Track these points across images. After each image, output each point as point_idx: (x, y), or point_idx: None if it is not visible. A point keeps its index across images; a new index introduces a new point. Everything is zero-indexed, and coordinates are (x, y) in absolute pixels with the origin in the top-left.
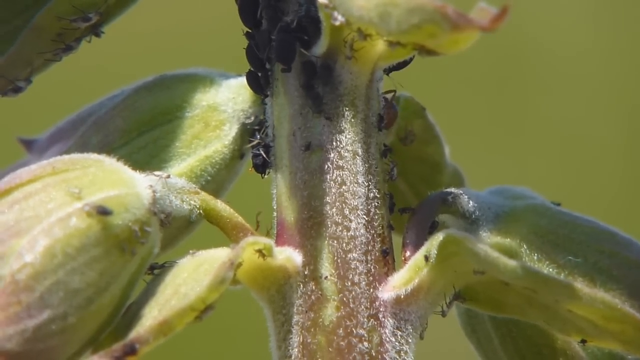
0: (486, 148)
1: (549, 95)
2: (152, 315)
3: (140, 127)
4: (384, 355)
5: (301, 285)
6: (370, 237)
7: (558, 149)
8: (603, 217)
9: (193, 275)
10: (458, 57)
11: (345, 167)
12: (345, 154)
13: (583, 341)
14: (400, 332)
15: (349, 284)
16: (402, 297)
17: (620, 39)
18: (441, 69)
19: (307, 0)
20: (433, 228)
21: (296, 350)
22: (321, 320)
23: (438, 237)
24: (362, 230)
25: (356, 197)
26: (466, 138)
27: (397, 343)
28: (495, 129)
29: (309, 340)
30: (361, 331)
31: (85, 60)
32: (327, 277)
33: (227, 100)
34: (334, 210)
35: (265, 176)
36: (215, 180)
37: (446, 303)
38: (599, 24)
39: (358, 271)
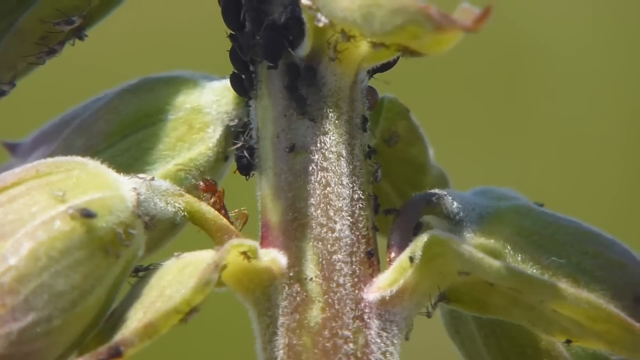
0: (485, 148)
1: (548, 95)
2: (137, 318)
3: (123, 130)
4: (370, 357)
5: (286, 287)
6: (355, 239)
7: (558, 148)
8: (605, 216)
9: (178, 277)
10: (456, 56)
11: (330, 168)
12: (330, 156)
13: (568, 341)
14: (385, 333)
15: (334, 285)
16: (387, 298)
17: (620, 36)
18: (438, 68)
19: (291, 2)
20: (418, 229)
21: (282, 352)
22: (306, 321)
23: (422, 238)
24: (347, 232)
25: (341, 198)
26: (465, 138)
27: (382, 344)
28: (494, 129)
29: (294, 342)
30: (346, 332)
31: (75, 61)
32: (312, 278)
33: (211, 102)
34: (318, 211)
35: (250, 178)
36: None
37: (431, 304)
38: (598, 22)
39: (343, 272)
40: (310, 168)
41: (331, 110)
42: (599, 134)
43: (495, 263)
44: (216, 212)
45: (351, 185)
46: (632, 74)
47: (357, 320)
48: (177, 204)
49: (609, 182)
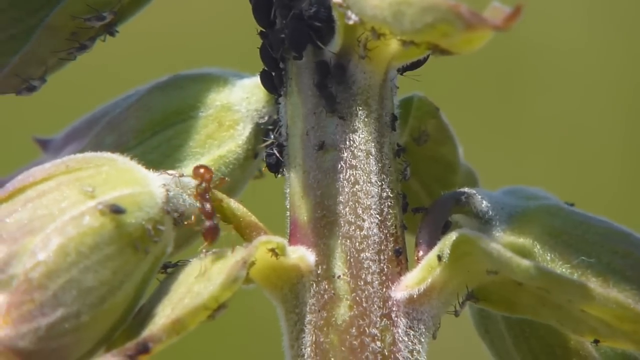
0: (482, 146)
1: (545, 93)
2: (165, 314)
3: (154, 127)
4: (397, 355)
5: (314, 285)
6: (383, 237)
7: (555, 146)
8: (602, 214)
9: (206, 274)
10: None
11: (359, 166)
12: (359, 154)
13: (596, 341)
14: (412, 332)
15: (362, 283)
16: (414, 296)
17: (616, 34)
18: (435, 66)
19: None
20: (446, 228)
21: (309, 349)
22: (334, 319)
23: (451, 236)
24: (375, 230)
25: (369, 196)
26: (461, 136)
27: (409, 342)
28: (489, 127)
29: (321, 340)
30: (374, 330)
31: (91, 61)
32: (339, 276)
33: (241, 100)
34: (347, 209)
35: (279, 176)
36: (229, 179)
37: (459, 303)
38: (594, 20)
39: (371, 270)
40: (339, 166)
41: (361, 108)
42: (596, 132)
43: (524, 262)
44: (245, 209)
45: (380, 184)
46: (629, 72)
47: (385, 319)
48: None
49: (606, 179)
